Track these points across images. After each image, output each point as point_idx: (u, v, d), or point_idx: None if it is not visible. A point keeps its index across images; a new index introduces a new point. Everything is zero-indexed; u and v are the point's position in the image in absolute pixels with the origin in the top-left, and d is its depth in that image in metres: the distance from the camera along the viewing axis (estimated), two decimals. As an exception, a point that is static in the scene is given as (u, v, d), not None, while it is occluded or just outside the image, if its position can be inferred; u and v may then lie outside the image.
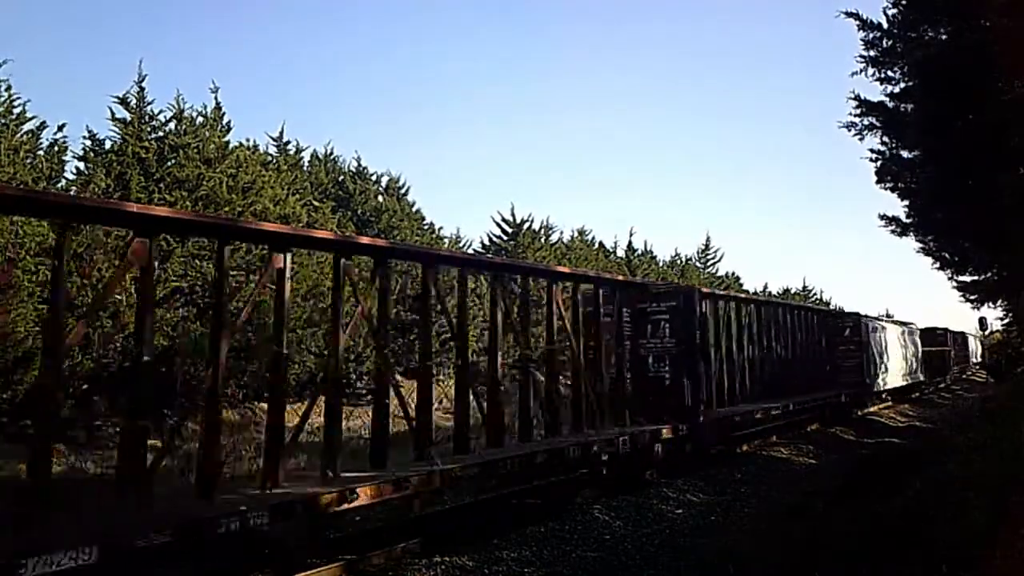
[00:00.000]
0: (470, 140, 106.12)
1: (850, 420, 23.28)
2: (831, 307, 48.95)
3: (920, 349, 34.86)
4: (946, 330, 45.84)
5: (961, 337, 53.05)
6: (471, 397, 10.38)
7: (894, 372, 28.59)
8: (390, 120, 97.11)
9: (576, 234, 36.30)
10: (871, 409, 26.89)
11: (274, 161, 24.56)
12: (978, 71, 9.30)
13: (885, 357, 27.39)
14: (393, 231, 26.30)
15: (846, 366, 24.36)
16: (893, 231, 13.78)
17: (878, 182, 12.63)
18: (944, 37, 10.35)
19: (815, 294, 57.59)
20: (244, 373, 16.44)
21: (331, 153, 30.09)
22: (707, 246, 47.02)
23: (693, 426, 13.65)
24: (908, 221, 13.61)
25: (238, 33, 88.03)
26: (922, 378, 34.53)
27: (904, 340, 31.64)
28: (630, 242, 39.96)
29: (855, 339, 24.61)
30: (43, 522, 5.68)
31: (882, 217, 13.97)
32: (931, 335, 43.01)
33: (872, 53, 10.80)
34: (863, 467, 14.97)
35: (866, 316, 26.84)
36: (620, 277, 18.20)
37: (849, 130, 11.81)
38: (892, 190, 12.79)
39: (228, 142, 19.82)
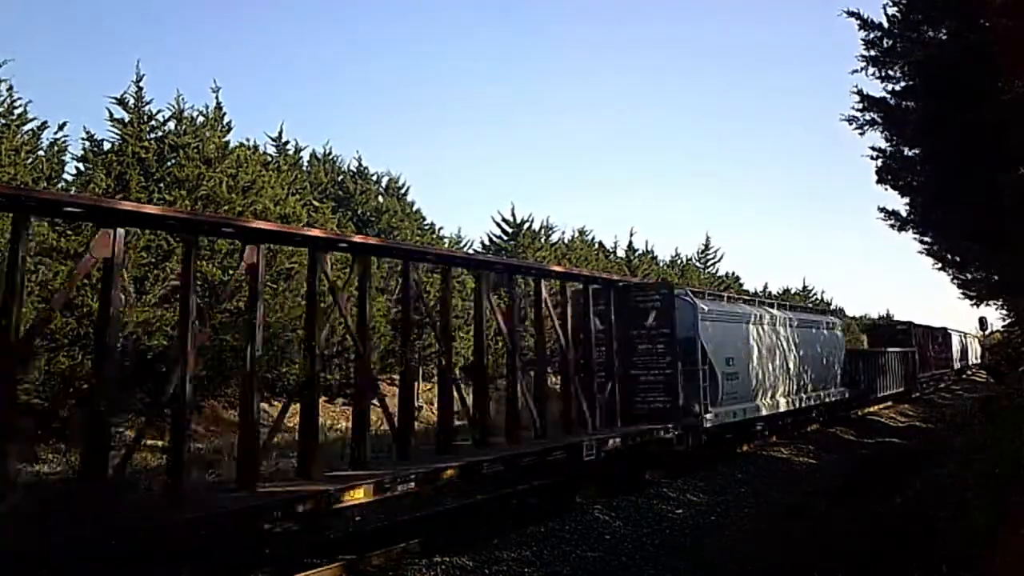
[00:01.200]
0: (470, 140, 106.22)
1: (849, 420, 23.21)
2: (829, 307, 48.27)
3: (841, 352, 23.20)
4: (910, 325, 34.36)
5: (942, 335, 39.79)
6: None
7: (763, 391, 17.01)
8: (390, 120, 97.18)
9: (576, 234, 36.31)
10: (871, 409, 26.71)
11: (274, 161, 24.57)
12: (978, 70, 9.30)
13: (746, 365, 16.26)
14: (393, 231, 26.28)
15: (646, 382, 13.73)
16: (892, 225, 13.62)
17: (878, 182, 12.56)
18: (945, 36, 10.34)
19: (815, 294, 57.42)
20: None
21: (331, 153, 30.11)
22: (707, 246, 46.98)
23: None
24: (907, 216, 13.51)
25: (238, 33, 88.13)
26: (837, 397, 22.20)
27: (796, 336, 19.31)
28: (630, 242, 39.94)
29: (665, 332, 13.74)
30: None
31: (881, 210, 13.76)
32: (885, 333, 32.85)
33: (872, 52, 10.77)
34: (863, 467, 14.98)
35: (694, 292, 15.81)
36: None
37: (850, 124, 11.72)
38: (893, 187, 12.72)
39: (228, 142, 19.81)
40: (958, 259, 15.67)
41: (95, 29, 73.38)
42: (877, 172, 12.43)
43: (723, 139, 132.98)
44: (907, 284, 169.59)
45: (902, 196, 13.18)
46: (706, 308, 15.23)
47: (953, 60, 9.66)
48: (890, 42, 10.72)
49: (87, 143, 17.81)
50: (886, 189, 12.69)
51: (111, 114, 17.77)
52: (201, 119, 19.26)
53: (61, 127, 17.04)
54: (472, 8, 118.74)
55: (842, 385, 22.64)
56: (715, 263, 46.91)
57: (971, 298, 19.13)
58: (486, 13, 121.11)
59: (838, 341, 23.53)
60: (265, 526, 6.98)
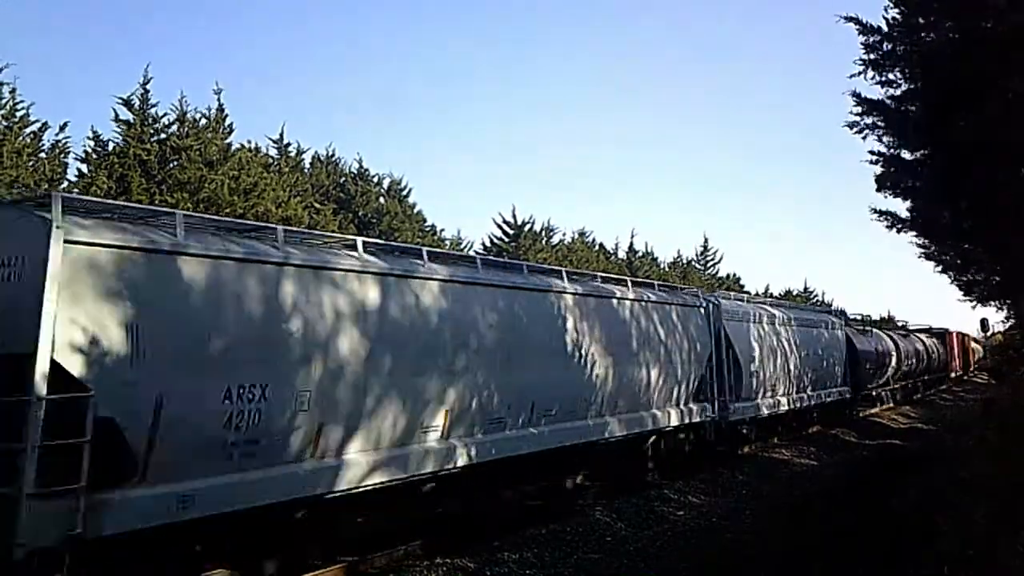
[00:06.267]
0: (470, 141, 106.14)
1: (851, 422, 23.20)
2: (830, 308, 47.93)
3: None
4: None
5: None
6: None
7: None
8: (390, 121, 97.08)
9: (577, 236, 36.27)
10: (873, 410, 26.73)
11: (275, 163, 24.57)
12: (981, 69, 9.26)
13: None
14: (394, 233, 26.30)
15: None
16: (888, 226, 13.54)
17: (878, 190, 12.45)
18: (946, 36, 10.30)
19: (816, 296, 57.26)
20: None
21: (332, 155, 30.09)
22: (705, 247, 46.94)
23: None
24: (905, 216, 13.44)
25: (238, 34, 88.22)
26: None
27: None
28: (631, 243, 39.92)
29: None
30: None
31: (875, 211, 13.63)
32: None
33: (872, 56, 10.73)
34: (864, 469, 14.99)
35: None
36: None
37: (851, 129, 11.66)
38: (894, 194, 12.66)
39: (230, 144, 19.83)
40: (958, 261, 15.67)
41: (95, 30, 73.47)
42: (877, 180, 12.38)
43: (723, 140, 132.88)
44: (908, 285, 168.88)
45: (903, 200, 13.15)
46: None
47: (955, 59, 9.63)
48: (890, 45, 10.70)
49: (92, 143, 17.83)
50: (886, 197, 12.65)
51: (116, 115, 17.78)
52: (203, 121, 19.28)
53: (62, 128, 17.11)
54: (473, 9, 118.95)
55: None
56: (715, 264, 46.90)
57: (972, 300, 19.14)
58: (487, 14, 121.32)
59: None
60: None
